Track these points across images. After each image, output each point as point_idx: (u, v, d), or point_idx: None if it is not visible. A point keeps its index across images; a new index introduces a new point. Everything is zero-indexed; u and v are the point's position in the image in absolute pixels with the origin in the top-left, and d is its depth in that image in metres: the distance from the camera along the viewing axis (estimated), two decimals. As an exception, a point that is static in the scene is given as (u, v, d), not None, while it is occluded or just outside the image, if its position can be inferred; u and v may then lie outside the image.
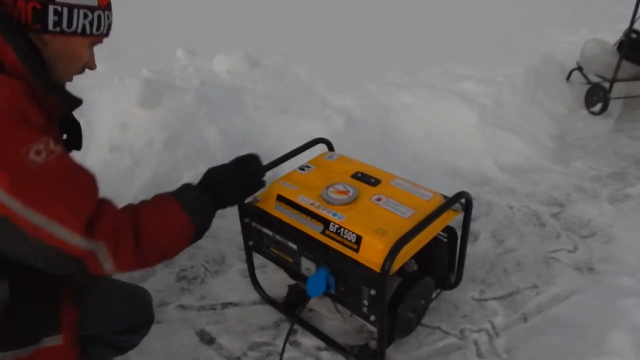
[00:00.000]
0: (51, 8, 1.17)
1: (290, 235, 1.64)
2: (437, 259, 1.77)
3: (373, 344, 1.78)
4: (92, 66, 1.37)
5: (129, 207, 1.27)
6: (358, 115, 3.32)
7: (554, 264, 2.22)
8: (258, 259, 1.97)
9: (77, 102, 1.27)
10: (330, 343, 1.80)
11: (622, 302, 1.94)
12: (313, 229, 1.58)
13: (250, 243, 1.83)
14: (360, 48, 4.79)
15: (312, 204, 1.62)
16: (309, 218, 1.60)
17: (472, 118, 3.31)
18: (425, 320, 1.89)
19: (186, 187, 1.38)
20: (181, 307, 1.99)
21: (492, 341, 1.85)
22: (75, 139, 1.41)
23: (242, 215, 1.78)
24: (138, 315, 1.59)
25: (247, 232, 1.81)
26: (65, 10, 1.20)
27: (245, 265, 2.13)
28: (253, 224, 1.76)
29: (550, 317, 1.94)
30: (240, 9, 6.31)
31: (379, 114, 3.37)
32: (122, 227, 1.21)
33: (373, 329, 1.62)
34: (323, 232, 1.56)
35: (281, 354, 1.62)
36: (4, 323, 1.28)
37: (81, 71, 1.35)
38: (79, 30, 1.25)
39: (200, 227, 1.36)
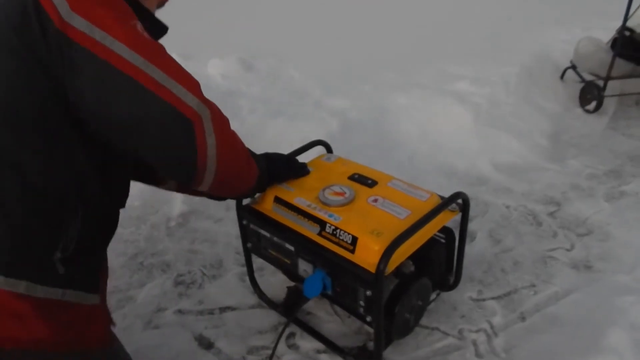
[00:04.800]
0: None
1: (287, 237, 1.63)
2: (435, 259, 1.77)
3: (371, 345, 1.77)
4: None
5: None
6: (353, 116, 3.33)
7: (551, 263, 2.23)
8: (255, 262, 1.97)
9: (164, 28, 1.40)
10: (329, 345, 1.80)
11: (619, 299, 1.94)
12: (310, 230, 1.58)
13: (249, 245, 1.83)
14: (354, 49, 4.80)
15: (309, 206, 1.61)
16: (305, 219, 1.60)
17: (467, 118, 3.32)
18: (424, 321, 1.89)
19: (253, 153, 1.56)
20: (179, 312, 1.99)
21: (491, 341, 1.85)
22: None
23: (240, 217, 1.78)
24: None
25: (245, 233, 1.81)
26: None
27: (242, 269, 2.13)
28: (251, 225, 1.75)
29: (548, 315, 1.94)
30: (232, 13, 6.31)
31: (374, 115, 3.37)
32: (223, 115, 1.34)
33: (371, 330, 1.62)
34: (319, 234, 1.56)
35: (272, 354, 1.61)
36: (74, 263, 1.28)
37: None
38: None
39: (259, 184, 1.56)
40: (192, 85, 1.25)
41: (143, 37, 1.17)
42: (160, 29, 1.38)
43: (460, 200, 1.67)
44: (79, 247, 1.26)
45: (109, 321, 1.45)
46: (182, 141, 1.23)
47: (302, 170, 1.79)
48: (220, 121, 1.31)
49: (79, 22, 1.09)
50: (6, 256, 1.17)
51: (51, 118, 1.15)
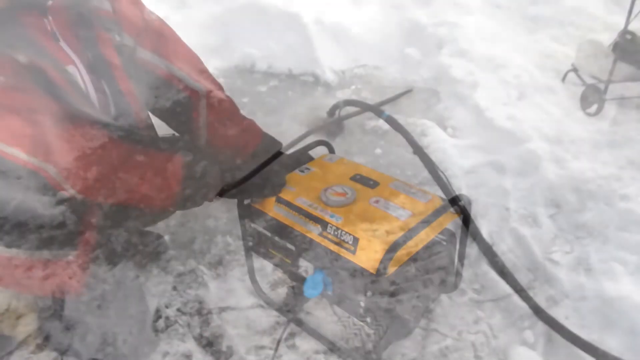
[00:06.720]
0: None
1: (288, 237, 1.64)
2: (435, 261, 1.77)
3: (370, 346, 1.77)
4: None
5: None
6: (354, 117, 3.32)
7: (551, 265, 2.22)
8: (255, 262, 1.96)
9: None
10: (328, 345, 1.80)
11: (619, 303, 1.95)
12: (311, 231, 1.58)
13: (249, 244, 1.83)
14: (355, 49, 4.79)
15: (311, 206, 1.62)
16: (307, 219, 1.60)
17: (467, 119, 3.31)
18: (423, 322, 1.89)
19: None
20: (179, 311, 1.99)
21: (490, 343, 1.85)
22: None
23: (241, 216, 1.78)
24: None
25: (246, 233, 1.81)
26: None
27: (242, 269, 2.13)
28: (252, 224, 1.76)
29: (547, 318, 1.94)
30: (232, 13, 6.29)
31: (375, 116, 3.36)
32: None
33: (371, 331, 1.62)
34: (321, 234, 1.56)
35: (273, 355, 1.62)
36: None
37: None
38: None
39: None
40: None
41: None
42: None
43: (461, 203, 1.67)
44: None
45: (77, 276, 1.52)
46: None
47: (272, 192, 1.72)
48: None
49: None
50: None
51: None
